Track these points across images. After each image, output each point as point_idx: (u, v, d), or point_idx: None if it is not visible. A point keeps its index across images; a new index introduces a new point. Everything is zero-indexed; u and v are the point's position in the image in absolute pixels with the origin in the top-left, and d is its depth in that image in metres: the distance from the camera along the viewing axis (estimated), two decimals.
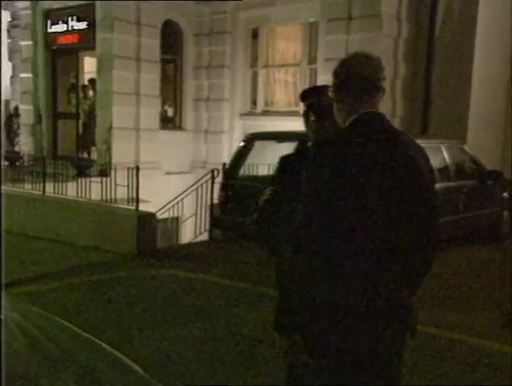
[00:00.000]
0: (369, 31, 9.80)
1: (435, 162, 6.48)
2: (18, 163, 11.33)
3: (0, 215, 2.61)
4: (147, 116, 11.32)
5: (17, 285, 6.01)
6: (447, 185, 7.25)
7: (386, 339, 2.19)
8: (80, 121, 11.68)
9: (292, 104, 11.35)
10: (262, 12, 11.36)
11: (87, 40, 11.46)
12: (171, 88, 12.32)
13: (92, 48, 11.30)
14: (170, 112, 12.42)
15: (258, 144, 7.67)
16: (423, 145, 2.39)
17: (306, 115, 2.92)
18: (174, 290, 6.06)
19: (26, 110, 12.29)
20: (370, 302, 2.13)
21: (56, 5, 11.84)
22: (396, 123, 9.22)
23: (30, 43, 12.24)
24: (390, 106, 9.65)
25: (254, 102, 11.76)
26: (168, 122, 12.23)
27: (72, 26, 11.69)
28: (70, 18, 11.70)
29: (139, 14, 11.19)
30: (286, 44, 11.84)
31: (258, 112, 11.64)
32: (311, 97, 3.00)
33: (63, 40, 11.92)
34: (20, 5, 12.49)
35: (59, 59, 12.29)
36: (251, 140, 7.81)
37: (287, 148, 6.22)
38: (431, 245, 2.25)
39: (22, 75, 12.49)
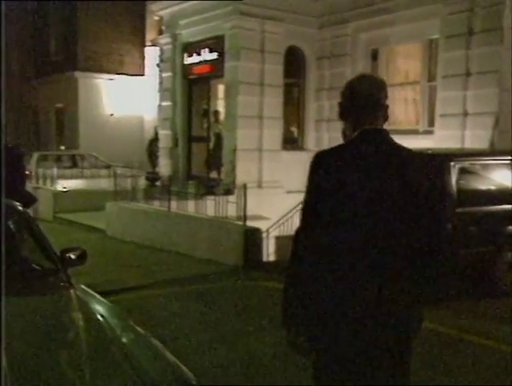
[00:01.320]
0: (489, 46, 9.50)
1: None
2: (157, 183, 12.60)
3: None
4: (270, 137, 11.95)
5: (134, 289, 6.85)
6: None
7: (391, 355, 2.36)
8: (211, 144, 12.65)
9: (412, 123, 11.28)
10: (382, 32, 11.49)
11: (217, 69, 12.44)
12: (294, 110, 12.86)
13: (222, 76, 12.25)
14: (294, 133, 12.96)
15: None
16: None
17: None
18: (273, 302, 6.45)
19: (165, 135, 13.60)
20: (377, 314, 2.27)
21: (193, 39, 13.03)
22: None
23: (170, 74, 13.57)
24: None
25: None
26: (291, 143, 12.76)
27: (205, 58, 12.77)
28: (203, 50, 12.79)
29: (263, 42, 11.93)
30: (405, 63, 11.81)
31: None
32: None
33: (197, 70, 13.05)
34: (163, 41, 13.91)
35: (194, 88, 13.46)
36: None
37: None
38: (435, 256, 2.39)
39: (164, 103, 13.84)
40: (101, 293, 6.47)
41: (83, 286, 3.58)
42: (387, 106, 2.48)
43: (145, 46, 20.92)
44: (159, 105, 14.50)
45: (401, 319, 2.33)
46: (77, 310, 3.08)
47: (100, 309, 3.16)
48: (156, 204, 9.99)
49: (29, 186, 13.36)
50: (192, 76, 13.27)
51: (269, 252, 8.81)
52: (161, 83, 14.51)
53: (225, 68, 12.01)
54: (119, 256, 8.66)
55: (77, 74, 20.07)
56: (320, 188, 2.38)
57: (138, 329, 2.96)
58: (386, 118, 2.51)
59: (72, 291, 3.33)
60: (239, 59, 11.70)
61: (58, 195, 12.84)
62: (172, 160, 13.35)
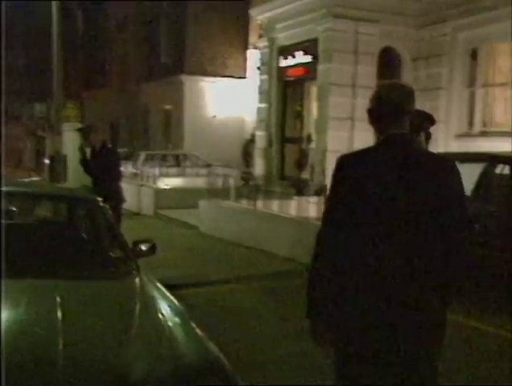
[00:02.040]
0: None
1: None
2: (251, 182, 13.03)
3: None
4: (361, 139, 11.90)
5: (214, 283, 7.24)
6: None
7: (418, 358, 2.45)
8: (303, 145, 12.87)
9: None
10: (483, 30, 11.09)
11: (311, 72, 12.63)
12: None
13: (315, 78, 12.42)
14: None
15: None
16: None
17: None
18: None
19: (260, 136, 14.01)
20: (401, 320, 2.33)
21: (288, 42, 13.33)
22: None
23: (266, 76, 13.96)
24: None
25: (470, 123, 11.46)
26: None
27: (299, 60, 13.01)
28: (298, 53, 13.03)
29: (357, 44, 11.94)
30: (508, 61, 11.27)
31: (474, 133, 11.32)
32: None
33: (292, 73, 13.33)
34: (261, 44, 14.34)
35: (288, 90, 13.75)
36: None
37: (471, 169, 6.24)
38: (459, 258, 2.46)
39: (260, 105, 14.26)
40: (183, 285, 7.00)
41: (151, 277, 3.91)
42: (412, 112, 2.57)
43: (247, 49, 21.53)
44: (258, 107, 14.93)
45: (423, 319, 2.37)
46: (136, 296, 3.42)
47: (158, 298, 3.45)
48: (244, 203, 10.36)
49: (133, 183, 14.36)
50: (286, 79, 13.56)
51: None
52: (260, 85, 14.95)
53: (317, 71, 12.17)
54: (206, 252, 9.11)
55: (184, 77, 21.09)
56: (342, 191, 2.49)
57: (191, 324, 3.12)
58: (411, 124, 2.61)
59: (136, 279, 3.68)
60: (331, 61, 11.81)
61: (159, 193, 13.63)
62: (266, 160, 13.73)
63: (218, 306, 6.20)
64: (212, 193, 11.26)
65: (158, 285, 3.89)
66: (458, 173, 2.63)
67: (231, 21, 21.20)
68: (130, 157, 18.00)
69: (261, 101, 14.16)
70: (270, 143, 13.69)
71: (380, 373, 2.43)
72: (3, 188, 4.04)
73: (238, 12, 21.00)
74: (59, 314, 2.85)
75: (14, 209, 4.13)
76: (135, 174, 15.92)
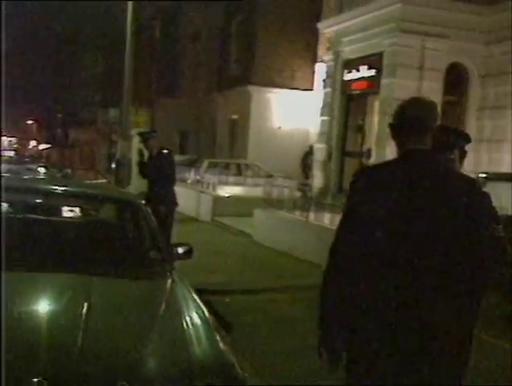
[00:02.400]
0: None
1: None
2: (308, 194, 13.04)
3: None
4: None
5: (259, 291, 7.32)
6: None
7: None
8: (363, 160, 12.76)
9: None
10: None
11: (374, 86, 12.53)
12: None
13: (378, 93, 12.31)
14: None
15: (489, 185, 7.42)
16: None
17: None
18: None
19: (319, 148, 14.01)
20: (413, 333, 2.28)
21: (353, 56, 13.30)
22: None
23: (330, 89, 13.97)
24: None
25: None
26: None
27: (363, 74, 12.94)
28: (362, 67, 12.97)
29: (423, 59, 11.75)
30: None
31: None
32: (439, 133, 3.30)
33: (355, 86, 13.27)
34: (326, 57, 14.38)
35: (351, 103, 13.69)
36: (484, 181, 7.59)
37: None
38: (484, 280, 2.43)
39: (322, 118, 14.28)
40: (229, 291, 7.11)
41: (184, 280, 4.00)
42: (433, 129, 2.56)
43: (316, 62, 21.59)
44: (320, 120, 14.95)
45: (444, 344, 2.33)
46: (163, 296, 3.50)
47: (184, 300, 3.52)
48: (298, 214, 10.39)
49: (194, 189, 14.69)
50: (350, 92, 13.52)
51: None
52: (323, 98, 14.97)
53: (381, 85, 12.07)
54: (256, 260, 9.20)
55: (251, 88, 21.39)
56: (357, 204, 2.52)
57: (211, 327, 3.14)
58: (433, 140, 2.59)
59: (168, 281, 3.78)
60: (395, 75, 11.68)
61: (217, 200, 13.89)
62: (325, 173, 13.70)
63: (260, 314, 6.26)
64: (268, 203, 11.37)
65: (189, 287, 3.99)
66: (479, 192, 2.58)
67: (301, 34, 21.33)
68: (194, 164, 18.43)
69: (323, 114, 14.17)
70: (329, 156, 13.66)
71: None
72: (52, 187, 4.32)
73: (308, 25, 21.12)
74: (85, 307, 3.00)
75: (57, 207, 4.37)
76: (197, 181, 16.30)
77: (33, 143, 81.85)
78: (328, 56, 14.21)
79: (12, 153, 36.96)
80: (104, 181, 13.93)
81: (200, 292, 7.10)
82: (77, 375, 2.44)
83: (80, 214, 4.77)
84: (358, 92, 13.26)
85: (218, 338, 3.05)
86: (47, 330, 2.75)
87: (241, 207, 13.22)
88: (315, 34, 21.25)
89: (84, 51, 38.08)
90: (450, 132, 3.46)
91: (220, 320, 6.05)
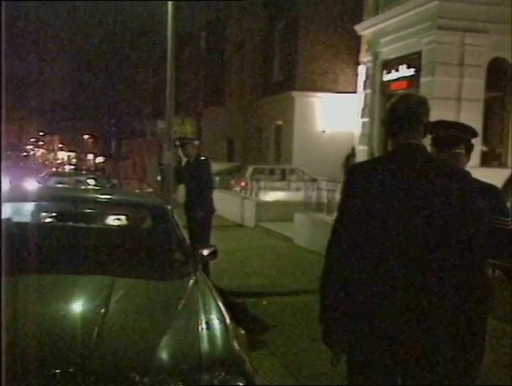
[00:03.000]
0: None
1: None
2: None
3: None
4: None
5: (295, 293, 7.41)
6: None
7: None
8: None
9: None
10: None
11: (414, 85, 12.40)
12: (496, 125, 12.12)
13: (418, 92, 12.16)
14: (495, 149, 12.21)
15: None
16: None
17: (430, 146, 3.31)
18: None
19: (361, 150, 13.95)
20: (408, 325, 2.33)
21: (392, 56, 13.21)
22: None
23: (369, 91, 13.91)
24: None
25: None
26: (492, 160, 12.05)
27: (402, 74, 12.83)
28: (401, 67, 12.87)
29: (463, 56, 11.56)
30: None
31: None
32: (436, 129, 3.35)
33: (394, 87, 13.17)
34: (365, 59, 14.33)
35: None
36: None
37: None
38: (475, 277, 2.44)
39: (363, 119, 14.23)
40: (267, 293, 7.22)
41: (207, 280, 4.15)
42: (425, 123, 2.61)
43: (359, 64, 21.48)
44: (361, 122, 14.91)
45: (437, 339, 2.36)
46: (183, 296, 3.59)
47: (203, 299, 3.64)
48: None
49: (238, 195, 14.89)
50: (389, 93, 13.40)
51: None
52: (363, 100, 14.92)
53: (420, 84, 11.94)
54: (295, 264, 9.28)
55: (295, 93, 21.48)
56: (352, 199, 2.57)
57: (225, 326, 3.19)
58: (425, 134, 2.64)
59: (190, 281, 3.92)
60: (434, 74, 11.53)
61: (261, 205, 14.05)
62: None
63: (296, 316, 6.35)
64: (308, 206, 11.42)
65: (211, 287, 4.12)
66: (472, 184, 2.60)
67: (343, 37, 21.25)
68: (240, 171, 18.67)
69: (363, 116, 14.13)
70: (372, 157, 13.58)
71: (391, 376, 2.44)
72: (85, 195, 4.59)
73: (350, 28, 21.06)
74: (105, 306, 3.19)
75: (93, 213, 4.63)
76: (242, 187, 16.51)
77: (90, 156, 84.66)
78: (366, 58, 14.17)
79: (72, 168, 39.29)
80: (148, 190, 14.34)
81: (237, 294, 7.28)
82: (91, 368, 2.62)
83: (108, 220, 5.01)
84: (398, 92, 13.13)
85: (231, 335, 3.15)
86: (69, 327, 2.95)
87: (284, 211, 13.32)
88: (357, 36, 21.19)
89: (135, 65, 39.16)
90: (457, 127, 3.49)
91: (254, 321, 6.22)
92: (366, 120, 13.94)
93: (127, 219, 5.01)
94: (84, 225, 4.46)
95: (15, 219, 4.50)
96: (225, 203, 14.05)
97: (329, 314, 2.49)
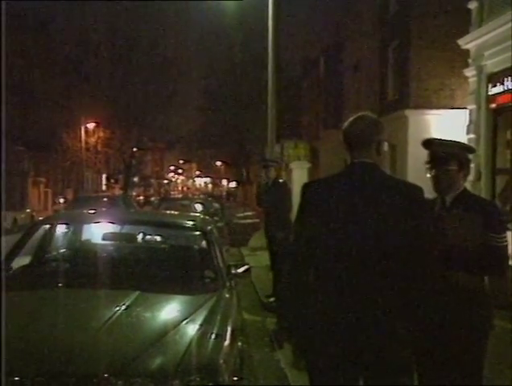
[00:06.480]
0: None
1: None
2: None
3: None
4: None
5: None
6: None
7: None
8: None
9: None
10: None
11: None
12: None
13: None
14: None
15: None
16: None
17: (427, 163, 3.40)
18: None
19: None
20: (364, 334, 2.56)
21: (497, 68, 12.55)
22: None
23: (474, 106, 13.29)
24: None
25: None
26: None
27: (508, 86, 12.11)
28: (506, 79, 12.17)
29: None
30: None
31: None
32: (427, 147, 3.42)
33: (500, 100, 12.46)
34: (469, 73, 13.74)
35: (497, 118, 12.84)
36: None
37: None
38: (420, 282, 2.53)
39: (468, 136, 13.59)
40: None
41: (232, 296, 4.42)
42: (378, 142, 2.73)
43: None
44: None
45: (388, 344, 2.50)
46: (194, 309, 3.91)
47: (213, 312, 3.90)
48: None
49: None
50: (496, 107, 12.71)
51: None
52: (468, 116, 14.24)
53: None
54: None
55: (408, 112, 21.03)
56: (304, 217, 2.78)
57: (226, 340, 3.49)
58: (378, 152, 2.76)
59: (214, 297, 4.21)
60: None
61: None
62: (475, 192, 12.92)
63: None
64: None
65: (234, 302, 4.38)
66: (422, 200, 2.66)
67: (457, 51, 20.47)
68: None
69: (469, 132, 13.51)
70: (478, 176, 12.91)
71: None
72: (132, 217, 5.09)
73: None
74: (112, 315, 3.59)
75: (135, 234, 5.12)
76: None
77: (224, 182, 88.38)
78: (470, 72, 13.58)
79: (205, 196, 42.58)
80: (250, 213, 14.83)
81: None
82: (71, 371, 3.00)
83: (144, 239, 5.48)
84: (505, 105, 12.40)
85: (223, 350, 3.34)
86: (71, 334, 3.38)
87: None
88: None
89: (258, 93, 40.74)
90: (452, 145, 3.49)
91: None
92: (472, 136, 13.30)
93: (162, 238, 5.43)
94: (125, 244, 4.95)
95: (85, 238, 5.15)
96: None
97: (290, 320, 2.70)
